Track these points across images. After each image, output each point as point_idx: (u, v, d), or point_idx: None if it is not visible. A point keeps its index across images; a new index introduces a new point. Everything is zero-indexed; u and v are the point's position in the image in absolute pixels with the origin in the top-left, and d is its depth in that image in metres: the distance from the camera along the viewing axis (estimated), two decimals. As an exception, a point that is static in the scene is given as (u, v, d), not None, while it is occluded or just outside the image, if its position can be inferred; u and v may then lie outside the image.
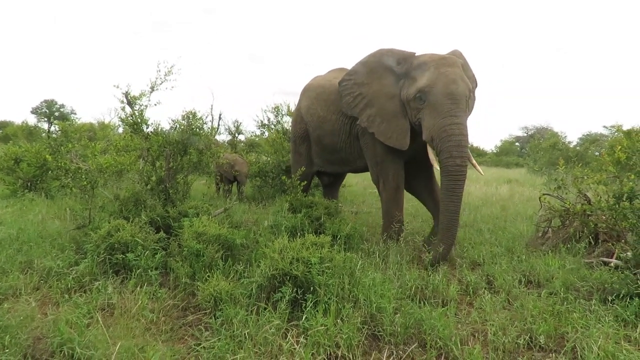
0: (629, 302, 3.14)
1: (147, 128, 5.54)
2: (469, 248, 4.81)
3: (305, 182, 6.20)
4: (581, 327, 2.83)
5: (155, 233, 4.10)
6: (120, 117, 5.88)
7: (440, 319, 2.87)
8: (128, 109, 5.63)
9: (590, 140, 19.62)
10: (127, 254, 3.58)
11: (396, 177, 4.88)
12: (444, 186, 4.07)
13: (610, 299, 3.27)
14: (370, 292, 3.13)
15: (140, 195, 4.94)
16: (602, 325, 2.82)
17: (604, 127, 22.19)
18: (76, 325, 2.66)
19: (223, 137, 14.41)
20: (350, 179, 9.99)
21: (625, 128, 14.08)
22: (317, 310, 2.87)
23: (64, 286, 3.35)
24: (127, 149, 5.76)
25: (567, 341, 2.72)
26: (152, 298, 3.19)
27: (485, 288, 3.63)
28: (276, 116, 9.56)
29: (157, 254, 3.74)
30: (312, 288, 3.01)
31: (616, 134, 17.36)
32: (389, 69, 4.68)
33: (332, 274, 3.12)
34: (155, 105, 5.70)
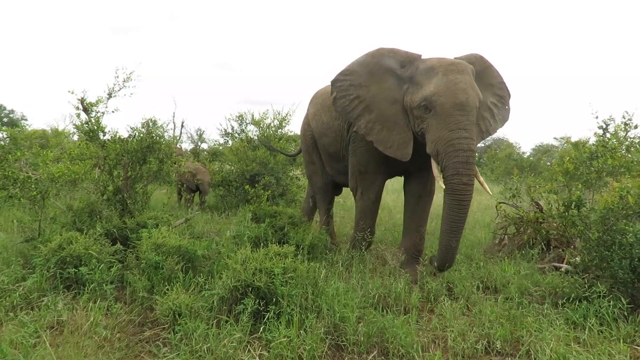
0: (577, 305, 3.30)
1: (103, 136, 5.34)
2: (430, 256, 4.90)
3: (327, 194, 5.88)
4: (535, 331, 2.95)
5: (111, 245, 3.93)
6: (75, 124, 5.65)
7: (402, 327, 2.90)
8: (84, 116, 5.42)
9: (542, 151, 20.68)
10: (79, 268, 3.41)
11: (376, 190, 4.63)
12: (448, 205, 3.68)
13: (561, 302, 3.43)
14: (333, 302, 3.13)
15: (95, 206, 4.73)
16: (554, 329, 2.95)
17: (554, 138, 23.52)
18: (21, 345, 2.49)
19: (185, 145, 14.12)
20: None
21: (573, 140, 14.95)
22: (280, 322, 2.83)
23: (8, 303, 3.14)
24: (82, 158, 5.51)
25: (522, 345, 2.82)
26: (107, 314, 3.05)
27: (445, 295, 3.71)
28: (240, 125, 9.46)
29: (112, 267, 3.58)
30: (275, 299, 2.97)
31: (565, 145, 18.40)
32: (391, 71, 4.17)
33: (295, 284, 3.10)
34: (113, 112, 5.53)
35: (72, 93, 5.30)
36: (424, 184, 4.61)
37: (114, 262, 3.68)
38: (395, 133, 4.09)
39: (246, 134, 9.28)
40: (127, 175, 5.13)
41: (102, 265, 3.51)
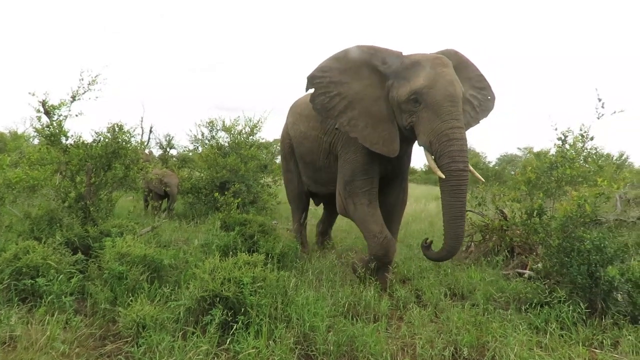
0: (540, 310, 3.41)
1: (66, 140, 5.14)
2: (399, 264, 4.96)
3: (301, 202, 5.89)
4: (500, 336, 3.02)
5: (72, 255, 3.76)
6: (35, 128, 5.42)
7: (372, 335, 2.91)
8: (45, 119, 5.21)
9: (506, 161, 21.45)
10: (36, 279, 3.24)
11: (368, 193, 4.35)
12: (447, 191, 3.72)
13: (524, 307, 3.54)
14: (303, 311, 3.11)
15: (55, 213, 4.53)
16: (518, 334, 3.03)
17: (518, 148, 24.41)
18: (-30, 362, 2.34)
19: (154, 151, 13.78)
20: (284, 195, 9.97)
21: (535, 150, 15.57)
22: (248, 333, 2.78)
23: (-43, 318, 2.94)
24: (42, 163, 5.27)
25: (488, 350, 2.88)
26: (65, 327, 2.90)
27: (414, 302, 3.76)
28: (210, 131, 9.32)
29: (73, 277, 3.42)
30: (243, 309, 2.92)
31: (528, 155, 19.14)
32: (372, 68, 4.14)
33: (264, 294, 3.06)
34: (76, 115, 5.33)
35: (33, 95, 5.08)
36: (398, 194, 4.64)
37: (75, 272, 3.53)
38: (380, 129, 4.07)
39: (217, 140, 9.15)
40: (90, 182, 4.95)
41: (61, 276, 3.35)
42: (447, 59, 3.99)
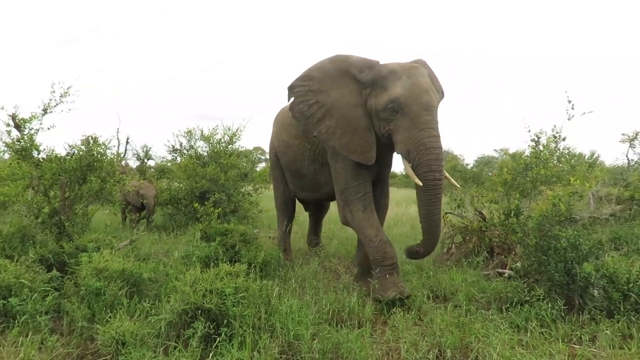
0: (520, 309, 3.48)
1: (38, 154, 4.99)
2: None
3: (287, 210, 6.00)
4: (482, 336, 3.06)
5: (47, 272, 3.64)
6: (5, 142, 5.25)
7: (357, 341, 2.91)
8: (15, 133, 5.05)
9: (484, 162, 21.86)
10: (9, 299, 3.12)
11: (362, 199, 4.31)
12: (423, 199, 3.85)
13: (505, 307, 3.59)
14: (287, 320, 3.08)
15: (28, 230, 4.39)
16: (500, 333, 3.07)
17: (494, 150, 24.93)
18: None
19: (131, 162, 13.53)
20: (268, 203, 9.92)
21: (511, 151, 15.94)
22: (232, 344, 2.74)
23: None
24: (14, 178, 5.09)
25: (471, 351, 2.91)
26: (40, 347, 2.80)
27: (398, 306, 3.77)
28: (189, 141, 9.21)
29: (48, 295, 3.31)
30: (226, 321, 2.88)
31: (504, 156, 19.57)
32: (350, 77, 4.22)
33: (247, 304, 3.02)
34: (48, 129, 5.19)
35: (2, 109, 4.94)
36: (379, 199, 4.68)
37: (50, 290, 3.41)
38: (357, 137, 4.14)
39: (195, 150, 9.05)
40: (64, 196, 4.81)
41: (35, 295, 3.24)
42: (423, 69, 4.10)
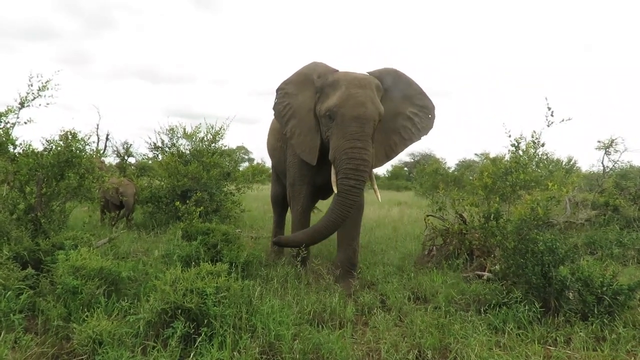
0: (498, 311, 3.54)
1: (14, 149, 4.85)
2: (364, 269, 5.02)
3: (277, 206, 6.40)
4: (461, 338, 3.10)
5: (21, 270, 3.54)
6: (-21, 136, 5.08)
7: (338, 342, 2.91)
8: (-10, 127, 4.89)
9: (465, 166, 22.18)
10: (-19, 297, 3.03)
11: (302, 201, 4.89)
12: (334, 203, 4.11)
13: (483, 309, 3.66)
14: (268, 320, 3.07)
15: (2, 226, 4.25)
16: (478, 334, 3.13)
17: (475, 154, 25.36)
18: None
19: (111, 159, 13.27)
20: (250, 203, 9.87)
21: (492, 156, 16.23)
22: (212, 344, 2.72)
23: None
24: (-12, 173, 4.95)
25: (450, 352, 2.96)
26: (14, 347, 2.73)
27: (379, 307, 3.80)
28: (171, 138, 9.07)
29: (22, 294, 3.22)
30: (207, 320, 2.85)
31: (485, 161, 19.91)
32: (311, 82, 4.61)
33: (228, 304, 3.00)
34: (25, 123, 5.05)
35: (-23, 102, 4.79)
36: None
37: (24, 288, 3.32)
38: (308, 138, 4.51)
39: (177, 148, 8.92)
40: (41, 192, 4.69)
41: (9, 293, 3.15)
42: (368, 80, 4.33)
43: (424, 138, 4.71)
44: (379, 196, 4.62)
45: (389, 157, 4.70)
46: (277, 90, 4.83)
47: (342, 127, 4.05)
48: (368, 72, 4.68)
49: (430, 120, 4.75)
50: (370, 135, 4.09)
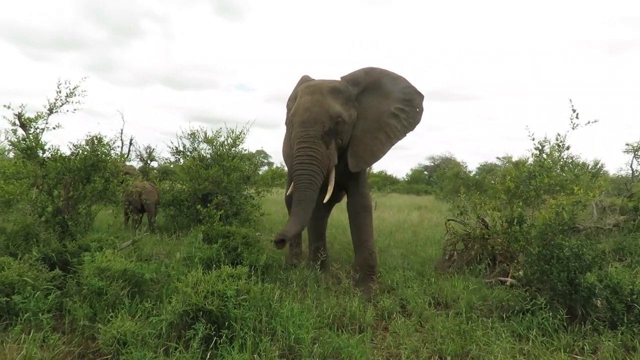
0: (522, 318, 3.46)
1: (43, 153, 5.02)
2: (383, 273, 4.98)
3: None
4: (483, 344, 3.05)
5: (50, 271, 3.66)
6: (10, 141, 5.27)
7: (358, 346, 2.90)
8: (21, 132, 5.08)
9: (486, 170, 21.80)
10: (12, 296, 3.14)
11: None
12: (295, 190, 4.28)
13: (506, 315, 3.58)
14: (288, 323, 3.08)
15: (32, 228, 4.41)
16: (501, 341, 3.06)
17: (497, 158, 24.89)
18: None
19: (134, 163, 13.57)
20: (270, 206, 9.93)
21: (514, 159, 15.92)
22: (232, 347, 2.75)
23: None
24: (18, 177, 5.12)
25: (472, 358, 2.90)
26: (42, 345, 2.81)
27: (399, 312, 3.77)
28: (192, 143, 9.22)
29: (50, 294, 3.33)
30: (227, 323, 2.88)
31: (507, 164, 19.54)
32: (295, 96, 4.91)
33: (249, 307, 3.03)
34: (54, 128, 5.22)
35: (9, 108, 4.97)
36: (356, 200, 4.88)
37: (52, 289, 3.43)
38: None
39: (199, 152, 9.06)
40: (68, 195, 4.83)
41: (38, 293, 3.25)
42: (320, 86, 4.55)
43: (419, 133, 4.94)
44: (328, 197, 4.56)
45: (376, 157, 4.77)
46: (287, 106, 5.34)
47: (293, 133, 4.41)
48: (342, 76, 4.81)
49: (418, 114, 4.86)
50: (317, 137, 4.27)
